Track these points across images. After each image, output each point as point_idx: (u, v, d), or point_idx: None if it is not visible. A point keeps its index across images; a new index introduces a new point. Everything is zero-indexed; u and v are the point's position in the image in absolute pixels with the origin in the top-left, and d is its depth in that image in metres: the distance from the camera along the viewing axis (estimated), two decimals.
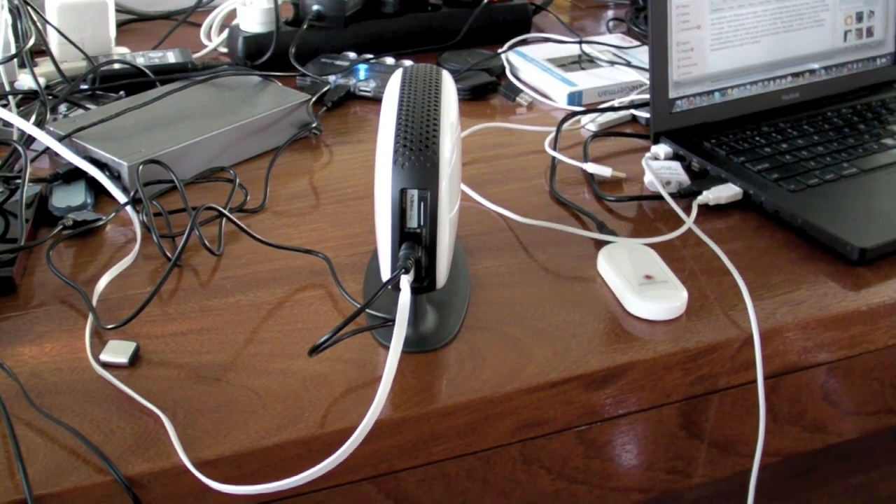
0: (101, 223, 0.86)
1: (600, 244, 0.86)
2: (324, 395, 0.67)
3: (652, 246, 0.85)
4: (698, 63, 1.06)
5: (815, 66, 1.14)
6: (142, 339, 0.72)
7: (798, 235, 0.89)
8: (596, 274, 0.83)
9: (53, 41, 1.16)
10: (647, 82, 1.18)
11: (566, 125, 1.09)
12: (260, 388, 0.67)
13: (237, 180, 0.93)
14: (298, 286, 0.80)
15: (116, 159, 0.90)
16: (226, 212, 0.84)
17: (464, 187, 0.95)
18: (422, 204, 0.66)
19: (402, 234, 0.67)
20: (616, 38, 1.37)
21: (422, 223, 0.66)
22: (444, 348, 0.73)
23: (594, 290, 0.81)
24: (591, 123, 1.12)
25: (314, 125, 1.06)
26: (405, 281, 0.66)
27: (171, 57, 1.18)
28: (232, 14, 1.35)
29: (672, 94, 1.04)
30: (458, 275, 0.80)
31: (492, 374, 0.70)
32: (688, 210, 0.90)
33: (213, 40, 1.34)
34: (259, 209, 0.92)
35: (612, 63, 1.27)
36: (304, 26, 1.22)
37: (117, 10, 1.43)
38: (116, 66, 1.13)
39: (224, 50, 1.32)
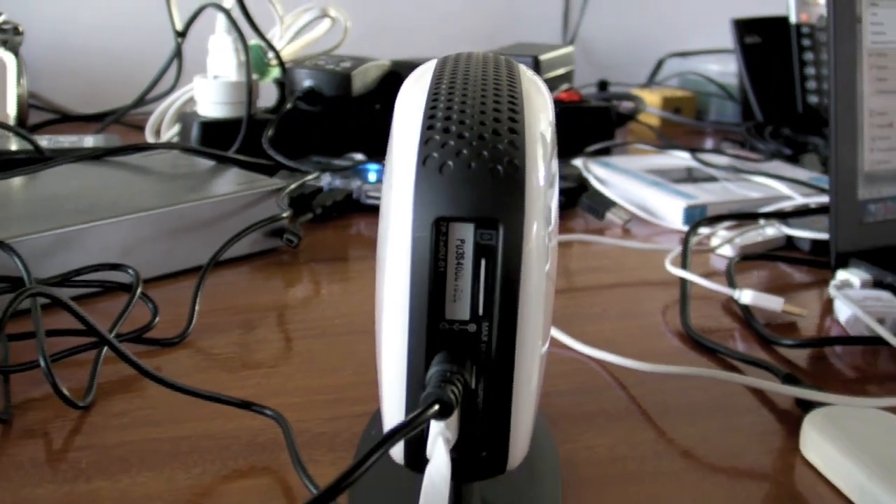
0: None
1: (791, 414, 0.51)
2: None
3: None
4: None
5: None
6: None
7: None
8: (796, 459, 0.48)
9: None
10: (795, 196, 0.87)
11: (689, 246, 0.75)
12: None
13: (139, 287, 0.58)
14: (223, 469, 0.44)
15: None
16: (99, 327, 0.48)
17: None
18: (484, 262, 0.31)
19: (436, 333, 0.32)
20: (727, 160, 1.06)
21: (482, 308, 0.32)
22: None
23: (800, 490, 0.45)
24: (726, 247, 0.78)
25: (289, 229, 0.72)
26: (440, 436, 0.30)
27: (90, 142, 0.86)
28: (191, 104, 1.04)
29: (863, 193, 0.71)
30: (538, 460, 0.44)
31: None
32: None
33: (162, 137, 1.02)
34: (176, 341, 0.57)
35: (735, 175, 0.97)
36: (287, 106, 0.91)
37: (37, 107, 1.15)
38: (6, 143, 0.81)
39: None
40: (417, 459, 0.33)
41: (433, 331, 0.32)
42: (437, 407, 0.30)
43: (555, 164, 0.36)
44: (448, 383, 0.31)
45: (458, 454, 0.33)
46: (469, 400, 0.32)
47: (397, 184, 0.32)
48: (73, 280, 0.60)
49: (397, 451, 0.34)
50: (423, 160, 0.31)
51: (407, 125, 0.33)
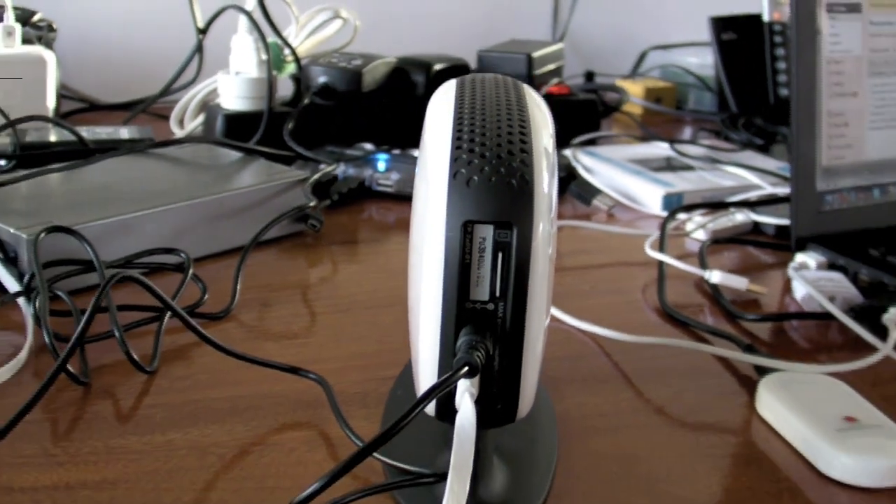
0: None
1: (750, 378, 0.60)
2: None
3: (838, 376, 0.58)
4: (853, 145, 0.81)
5: None
6: (1, 494, 0.44)
7: None
8: (752, 416, 0.56)
9: None
10: (763, 185, 0.95)
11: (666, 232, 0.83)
12: None
13: (190, 269, 0.66)
14: (274, 423, 0.53)
15: (12, 230, 0.64)
16: (172, 302, 0.57)
17: None
18: (500, 256, 0.39)
19: (463, 311, 0.40)
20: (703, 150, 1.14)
21: (499, 291, 0.40)
22: None
23: (755, 441, 0.54)
24: (699, 231, 0.86)
25: (312, 215, 0.80)
26: (466, 392, 0.38)
27: (126, 133, 0.93)
28: (212, 97, 1.11)
29: (820, 185, 0.79)
30: (538, 413, 0.52)
31: None
32: (882, 333, 0.64)
33: (186, 127, 1.09)
34: (221, 315, 0.65)
35: (710, 165, 1.04)
36: (305, 101, 0.98)
37: (66, 97, 1.22)
38: (47, 134, 0.88)
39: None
40: (446, 411, 0.41)
41: (461, 309, 0.40)
42: (466, 368, 0.38)
43: (555, 161, 0.43)
44: (474, 349, 0.39)
45: (478, 407, 0.41)
46: (488, 363, 0.40)
47: (433, 193, 0.40)
48: (134, 262, 0.68)
49: (429, 406, 0.42)
50: (453, 175, 0.39)
51: (438, 144, 0.41)
